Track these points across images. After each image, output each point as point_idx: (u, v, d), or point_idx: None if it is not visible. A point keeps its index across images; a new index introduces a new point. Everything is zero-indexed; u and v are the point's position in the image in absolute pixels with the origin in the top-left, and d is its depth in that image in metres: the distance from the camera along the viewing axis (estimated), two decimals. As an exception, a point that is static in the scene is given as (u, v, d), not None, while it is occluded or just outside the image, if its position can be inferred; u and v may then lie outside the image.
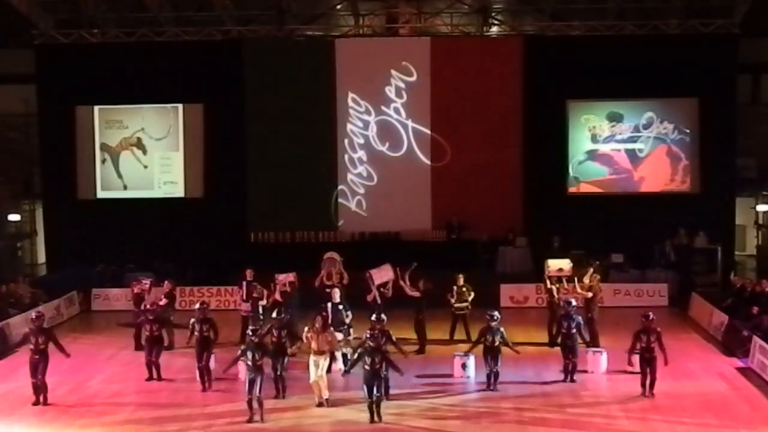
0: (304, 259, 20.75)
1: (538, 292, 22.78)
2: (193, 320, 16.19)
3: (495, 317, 15.84)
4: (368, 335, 14.53)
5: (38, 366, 15.14)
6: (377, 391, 14.06)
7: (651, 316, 15.41)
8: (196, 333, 16.10)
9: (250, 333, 14.67)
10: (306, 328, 15.32)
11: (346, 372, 15.87)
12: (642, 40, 26.45)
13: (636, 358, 15.83)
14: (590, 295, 18.75)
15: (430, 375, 16.88)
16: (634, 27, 26.56)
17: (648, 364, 15.23)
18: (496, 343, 15.69)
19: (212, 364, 16.34)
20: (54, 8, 27.36)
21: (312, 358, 14.97)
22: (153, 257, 25.22)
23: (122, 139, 27.83)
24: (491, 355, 15.73)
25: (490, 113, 26.83)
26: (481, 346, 15.97)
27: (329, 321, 16.19)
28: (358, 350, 14.83)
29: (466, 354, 16.62)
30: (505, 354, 15.80)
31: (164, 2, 27.07)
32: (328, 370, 15.62)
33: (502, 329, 15.83)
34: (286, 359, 15.48)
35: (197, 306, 16.42)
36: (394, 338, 15.68)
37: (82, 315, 23.84)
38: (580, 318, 16.78)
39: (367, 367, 14.12)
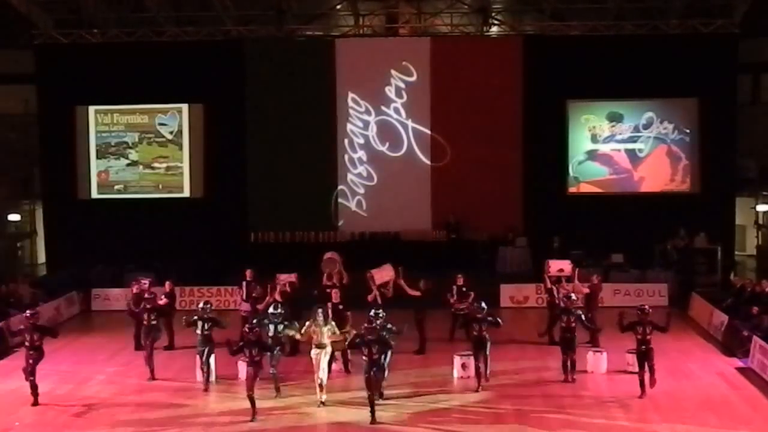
0: (304, 259, 20.72)
1: (538, 292, 22.74)
2: (195, 317, 16.16)
3: (483, 308, 15.87)
4: (365, 327, 14.57)
5: (33, 362, 15.06)
6: (369, 389, 14.05)
7: (647, 309, 15.32)
8: (198, 331, 16.08)
9: (248, 330, 14.71)
10: (308, 323, 15.32)
11: (349, 347, 15.62)
12: (642, 40, 26.45)
13: (633, 358, 15.84)
14: (587, 290, 18.83)
15: (430, 375, 16.87)
16: (634, 27, 26.56)
17: (645, 357, 15.12)
18: (484, 332, 15.70)
19: (212, 362, 16.32)
20: (54, 8, 27.40)
21: (313, 351, 15.02)
22: (153, 257, 25.20)
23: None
24: (480, 344, 15.72)
25: (490, 113, 26.82)
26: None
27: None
28: (358, 339, 14.75)
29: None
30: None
31: (164, 2, 27.08)
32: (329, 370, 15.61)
33: (489, 318, 15.85)
34: (277, 352, 15.56)
35: (200, 305, 16.38)
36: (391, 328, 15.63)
37: (81, 315, 23.79)
38: (579, 312, 16.78)
39: (365, 357, 14.18)
